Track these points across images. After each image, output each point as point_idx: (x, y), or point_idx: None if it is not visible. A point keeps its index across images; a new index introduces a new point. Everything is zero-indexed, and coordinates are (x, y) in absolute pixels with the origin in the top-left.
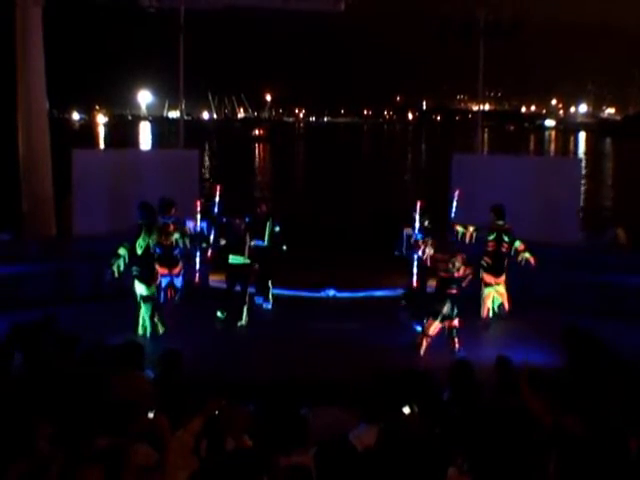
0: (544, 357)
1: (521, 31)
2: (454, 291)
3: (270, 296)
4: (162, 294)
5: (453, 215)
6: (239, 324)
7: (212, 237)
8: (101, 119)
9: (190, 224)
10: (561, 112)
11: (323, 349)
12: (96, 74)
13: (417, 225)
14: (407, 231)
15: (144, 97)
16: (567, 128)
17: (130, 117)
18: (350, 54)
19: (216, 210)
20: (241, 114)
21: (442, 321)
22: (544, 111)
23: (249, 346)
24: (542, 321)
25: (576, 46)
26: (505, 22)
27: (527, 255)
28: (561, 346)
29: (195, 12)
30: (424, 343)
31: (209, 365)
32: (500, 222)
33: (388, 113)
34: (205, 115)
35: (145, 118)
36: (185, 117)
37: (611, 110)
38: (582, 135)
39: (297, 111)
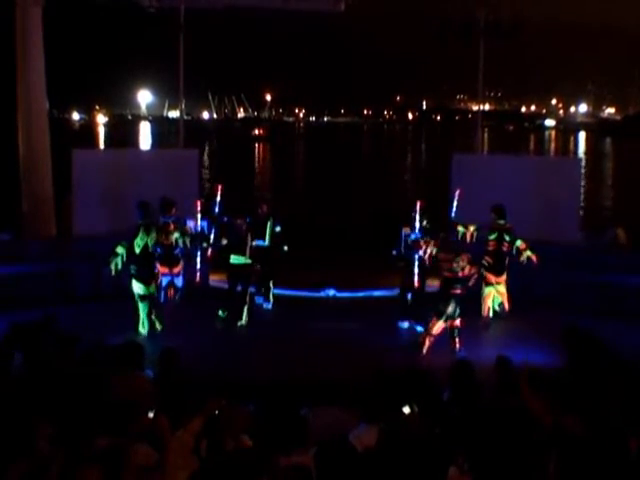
0: (544, 357)
1: (521, 31)
2: (458, 291)
3: (271, 296)
4: (162, 293)
5: (453, 215)
6: (239, 324)
7: (212, 236)
8: (101, 119)
9: (191, 223)
10: (561, 112)
11: (323, 349)
12: (96, 74)
13: (417, 225)
14: (405, 231)
15: (144, 97)
16: (567, 128)
17: (130, 117)
18: (350, 54)
19: (217, 210)
20: (241, 114)
21: (445, 321)
22: (544, 111)
23: (249, 346)
24: (542, 321)
25: (576, 46)
26: (505, 22)
27: (529, 253)
28: (561, 346)
29: (195, 12)
30: (427, 342)
31: (209, 365)
32: (501, 221)
33: (388, 113)
34: (205, 115)
35: (145, 118)
36: (185, 117)
37: (611, 110)
38: (582, 135)
39: (297, 111)
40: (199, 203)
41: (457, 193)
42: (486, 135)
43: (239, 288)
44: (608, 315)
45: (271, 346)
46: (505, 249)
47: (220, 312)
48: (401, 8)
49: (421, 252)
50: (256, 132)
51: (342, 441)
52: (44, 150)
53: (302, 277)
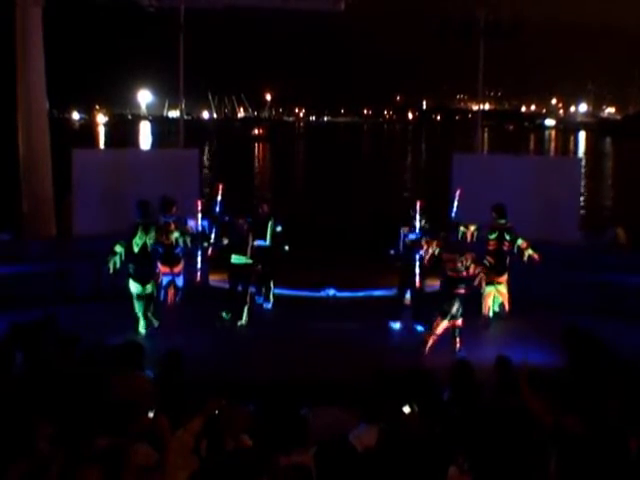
0: (544, 357)
1: (521, 31)
2: (462, 291)
3: (271, 296)
4: (162, 292)
5: (454, 215)
6: (239, 324)
7: (213, 236)
8: (101, 119)
9: (191, 223)
10: (561, 111)
11: (323, 349)
12: (96, 74)
13: (417, 225)
14: (404, 231)
15: (144, 97)
16: (567, 127)
17: (130, 117)
18: (350, 54)
19: (218, 209)
20: (241, 114)
21: (449, 320)
22: (544, 111)
23: (249, 346)
24: (542, 321)
25: (576, 46)
26: (505, 22)
27: (530, 252)
28: (561, 346)
29: (195, 12)
30: (430, 341)
31: (209, 365)
32: (502, 221)
33: (388, 113)
34: (205, 115)
35: (145, 118)
36: (185, 117)
37: (611, 109)
38: (582, 134)
39: (297, 110)
40: (200, 203)
41: (457, 193)
42: (486, 135)
43: (239, 288)
44: (608, 315)
45: (271, 346)
46: (506, 248)
47: (224, 314)
48: (401, 8)
49: (422, 252)
50: (256, 132)
51: (342, 441)
52: (44, 150)
53: (302, 277)
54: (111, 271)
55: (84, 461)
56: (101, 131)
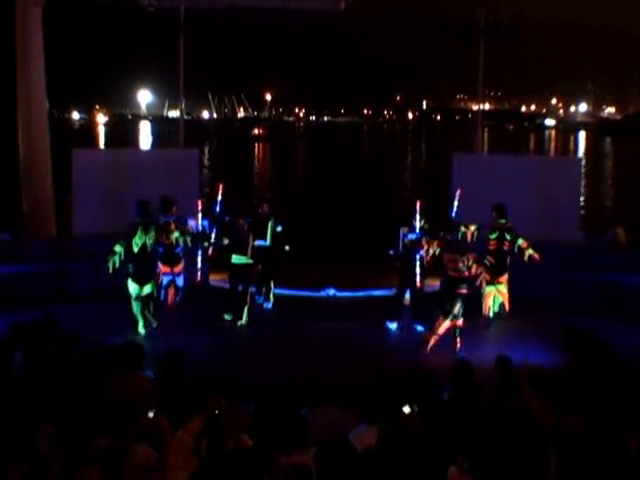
0: (544, 357)
1: (521, 31)
2: (464, 291)
3: (271, 296)
4: (162, 292)
5: (454, 214)
6: (239, 324)
7: (214, 236)
8: (101, 119)
9: (192, 223)
10: (561, 111)
11: (323, 349)
12: (96, 74)
13: (417, 225)
14: (403, 231)
15: (144, 96)
16: (567, 127)
17: (130, 117)
18: (350, 54)
19: (218, 209)
20: (241, 114)
21: (451, 320)
22: (544, 110)
23: (249, 346)
24: (542, 321)
25: (576, 46)
26: (505, 22)
27: (531, 251)
28: (561, 346)
29: (195, 12)
30: (432, 341)
31: (209, 365)
32: (502, 221)
33: (388, 113)
34: (205, 115)
35: (145, 117)
36: (185, 116)
37: (611, 109)
38: (582, 134)
39: (297, 110)
40: (200, 202)
41: (458, 193)
42: (486, 135)
43: (240, 288)
44: (608, 315)
45: (271, 346)
46: (506, 248)
47: (226, 316)
48: (401, 8)
49: (423, 252)
50: (255, 132)
51: (342, 441)
52: (44, 150)
53: (302, 277)
54: (110, 271)
55: (84, 461)
56: (101, 131)
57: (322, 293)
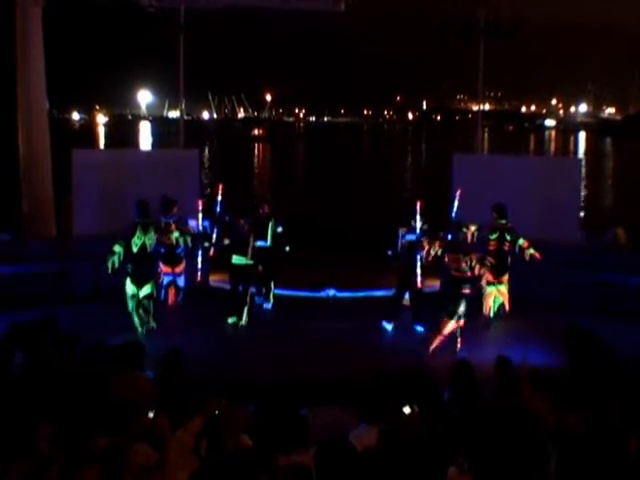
0: (544, 357)
1: (521, 31)
2: (467, 291)
3: (271, 296)
4: (163, 291)
5: (454, 214)
6: (239, 324)
7: (215, 236)
8: (101, 119)
9: (192, 223)
10: (561, 112)
11: (323, 349)
12: (96, 74)
13: (417, 225)
14: (402, 231)
15: (144, 97)
16: (567, 128)
17: (130, 117)
18: (350, 54)
19: (218, 209)
20: (241, 114)
21: (457, 321)
22: (544, 111)
23: (249, 346)
24: (542, 321)
25: (576, 46)
26: (505, 22)
27: (532, 251)
28: (561, 346)
29: (195, 12)
30: (436, 342)
31: (209, 365)
32: (502, 221)
33: (388, 113)
34: (205, 115)
35: (145, 118)
36: (185, 117)
37: (611, 110)
38: (582, 135)
39: (297, 111)
40: (201, 202)
41: (458, 193)
42: (486, 135)
43: (240, 289)
44: (608, 315)
45: (271, 346)
46: (507, 248)
47: (229, 319)
48: (401, 8)
49: (424, 252)
50: (255, 132)
51: (342, 441)
52: (44, 150)
53: (302, 277)
54: (110, 271)
55: (84, 461)
56: (101, 131)
57: (322, 293)
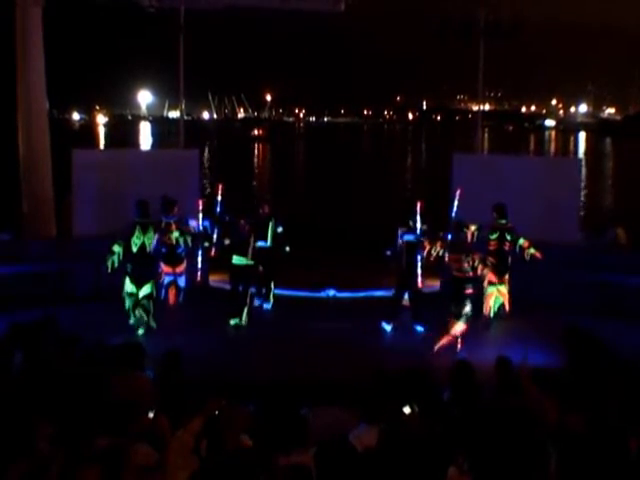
0: (544, 357)
1: (521, 31)
2: (470, 291)
3: (271, 296)
4: (163, 291)
5: (454, 214)
6: (241, 325)
7: (215, 236)
8: (101, 119)
9: (193, 223)
10: (561, 112)
11: (323, 349)
12: (96, 74)
13: (418, 225)
14: (401, 231)
15: (144, 97)
16: (567, 128)
17: (130, 117)
18: (350, 54)
19: (218, 209)
20: (241, 114)
21: (466, 321)
22: (544, 111)
23: (249, 346)
24: (542, 321)
25: (576, 46)
26: (505, 22)
27: (532, 251)
28: (561, 346)
29: (195, 12)
30: (443, 341)
31: (209, 365)
32: (502, 221)
33: (388, 113)
34: (205, 115)
35: (145, 118)
36: (185, 117)
37: (611, 110)
38: (582, 135)
39: (297, 111)
40: (201, 202)
41: (457, 193)
42: (486, 135)
43: (240, 289)
44: (608, 315)
45: (271, 346)
46: (507, 248)
47: (232, 321)
48: (401, 8)
49: (424, 252)
50: (255, 132)
51: (342, 441)
52: (44, 150)
53: (302, 277)
54: (110, 270)
55: (84, 461)
56: (101, 131)
57: (322, 293)
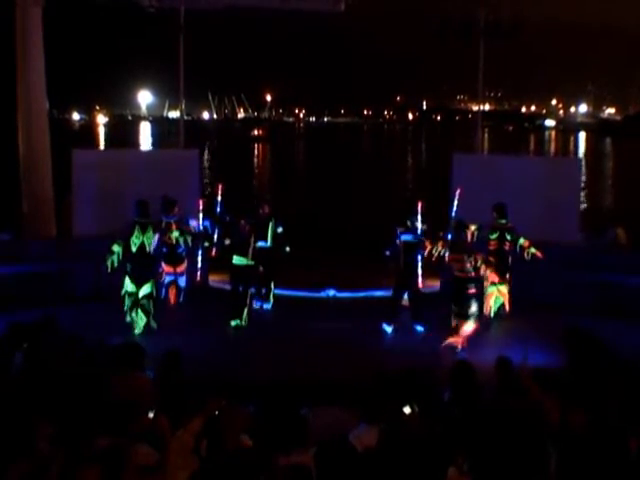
0: (544, 357)
1: (521, 31)
2: (473, 290)
3: (271, 296)
4: (163, 290)
5: (454, 214)
6: (242, 326)
7: (216, 236)
8: (101, 119)
9: (193, 223)
10: (561, 112)
11: (323, 349)
12: (96, 74)
13: (419, 225)
14: (400, 231)
15: (144, 97)
16: (567, 128)
17: (130, 117)
18: (350, 54)
19: (218, 209)
20: (241, 114)
21: (475, 321)
22: (544, 111)
23: (249, 346)
24: (542, 321)
25: (576, 46)
26: (505, 22)
27: (533, 250)
28: (561, 346)
29: (195, 12)
30: (450, 340)
31: (209, 365)
32: (502, 221)
33: (388, 113)
34: (205, 115)
35: (145, 118)
36: (185, 117)
37: (611, 110)
38: (582, 135)
39: (297, 111)
40: (201, 202)
41: (457, 192)
42: (486, 135)
43: (240, 289)
44: (608, 315)
45: (271, 346)
46: (507, 248)
47: (232, 323)
48: (401, 8)
49: (425, 253)
50: (255, 132)
51: (342, 441)
52: (44, 150)
53: (302, 277)
54: (109, 270)
55: (84, 461)
56: (101, 131)
57: (322, 294)
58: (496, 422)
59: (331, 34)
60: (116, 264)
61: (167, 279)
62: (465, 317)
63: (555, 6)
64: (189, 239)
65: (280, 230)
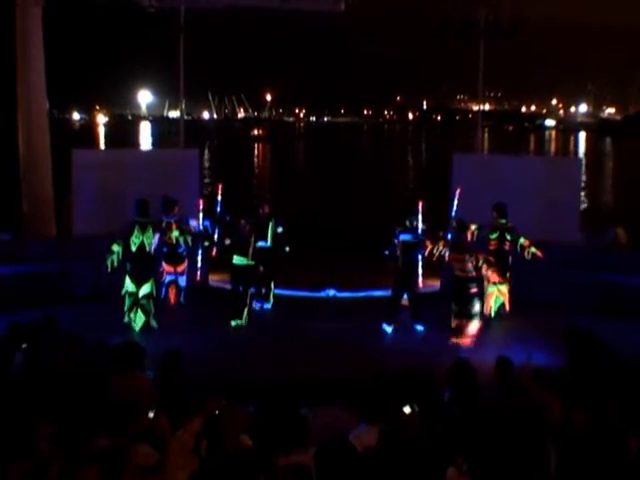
0: (545, 357)
1: (521, 31)
2: (475, 289)
3: (271, 296)
4: (163, 290)
5: (454, 214)
6: (242, 326)
7: (216, 236)
8: (101, 119)
9: (193, 223)
10: (561, 112)
11: (323, 349)
12: (96, 74)
13: (420, 225)
14: (399, 231)
15: (144, 97)
16: (567, 128)
17: (130, 117)
18: (350, 54)
19: (218, 209)
20: (241, 114)
21: (480, 320)
22: (544, 111)
23: (249, 346)
24: (542, 321)
25: (576, 46)
26: (505, 22)
27: (533, 249)
28: (561, 346)
29: (195, 12)
30: (457, 340)
31: (209, 365)
32: (502, 220)
33: (388, 113)
34: (205, 115)
35: (145, 118)
36: (185, 117)
37: (611, 110)
38: (582, 135)
39: (297, 111)
40: (202, 202)
41: (457, 192)
42: (486, 135)
43: (240, 289)
44: (608, 315)
45: (271, 346)
46: (507, 248)
47: (233, 323)
48: (401, 8)
49: (426, 252)
50: (256, 132)
51: (342, 441)
52: (44, 150)
53: (302, 277)
54: (109, 270)
55: (84, 461)
56: (101, 131)
57: (322, 293)
58: (496, 422)
59: (331, 34)
60: (116, 264)
61: (167, 279)
62: (468, 317)
63: (555, 6)
64: (189, 239)
65: (280, 230)
